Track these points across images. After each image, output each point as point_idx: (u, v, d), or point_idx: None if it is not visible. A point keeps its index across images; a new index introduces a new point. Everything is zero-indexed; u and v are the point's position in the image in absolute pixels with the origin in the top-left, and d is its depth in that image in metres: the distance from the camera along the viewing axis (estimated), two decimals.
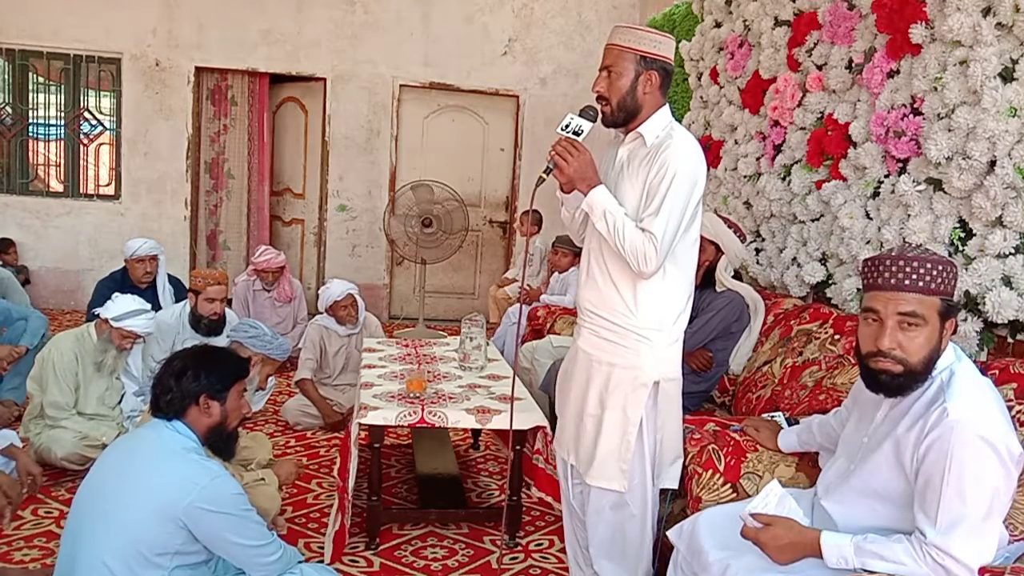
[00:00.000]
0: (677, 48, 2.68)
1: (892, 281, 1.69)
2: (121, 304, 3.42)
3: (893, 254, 1.72)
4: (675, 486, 2.23)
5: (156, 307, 4.40)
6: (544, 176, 2.10)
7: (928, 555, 1.58)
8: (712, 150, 4.47)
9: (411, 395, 2.98)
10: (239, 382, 2.12)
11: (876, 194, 3.10)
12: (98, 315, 3.46)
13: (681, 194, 2.01)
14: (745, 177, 4.16)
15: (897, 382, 1.71)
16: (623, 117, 2.12)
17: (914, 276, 1.66)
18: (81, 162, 6.91)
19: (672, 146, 2.04)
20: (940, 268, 1.67)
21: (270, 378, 4.05)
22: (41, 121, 6.86)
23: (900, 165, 2.98)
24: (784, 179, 3.75)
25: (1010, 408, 2.07)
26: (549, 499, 3.08)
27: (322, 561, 2.70)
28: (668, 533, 2.06)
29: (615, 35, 2.11)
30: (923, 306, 1.67)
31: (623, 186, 2.12)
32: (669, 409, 2.16)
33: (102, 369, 3.48)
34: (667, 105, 2.15)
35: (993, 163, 2.49)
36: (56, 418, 3.37)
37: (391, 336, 5.65)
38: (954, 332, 1.75)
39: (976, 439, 1.56)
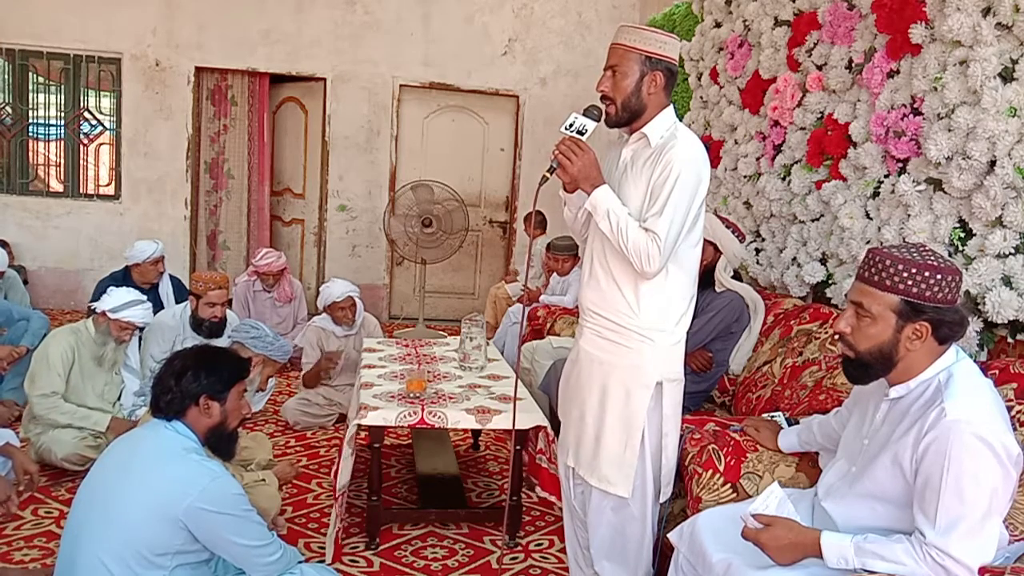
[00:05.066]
0: None
1: (860, 272, 1.78)
2: (117, 296, 3.46)
3: (875, 248, 1.78)
4: (670, 491, 2.24)
5: (160, 307, 4.41)
6: (547, 175, 2.09)
7: (928, 555, 1.58)
8: (712, 150, 4.47)
9: (411, 395, 2.98)
10: (239, 383, 2.12)
11: (876, 194, 3.10)
12: (94, 309, 3.48)
13: (685, 194, 2.01)
14: (745, 177, 4.16)
15: (850, 369, 1.81)
16: (627, 117, 2.11)
17: (873, 270, 1.72)
18: (81, 162, 6.91)
19: (676, 146, 2.04)
20: (902, 267, 1.67)
21: (270, 379, 4.05)
22: (41, 121, 6.86)
23: (900, 165, 2.98)
24: (784, 179, 3.75)
25: (1010, 408, 2.07)
26: (553, 499, 3.08)
27: (322, 561, 2.70)
28: (670, 535, 2.06)
29: (620, 35, 2.11)
30: (873, 300, 1.71)
31: (626, 186, 2.12)
32: (671, 411, 2.16)
33: (102, 363, 3.51)
34: (671, 106, 2.15)
35: (993, 163, 2.49)
36: (45, 414, 3.29)
37: (391, 336, 5.65)
38: (944, 341, 1.69)
39: (973, 439, 1.56)
